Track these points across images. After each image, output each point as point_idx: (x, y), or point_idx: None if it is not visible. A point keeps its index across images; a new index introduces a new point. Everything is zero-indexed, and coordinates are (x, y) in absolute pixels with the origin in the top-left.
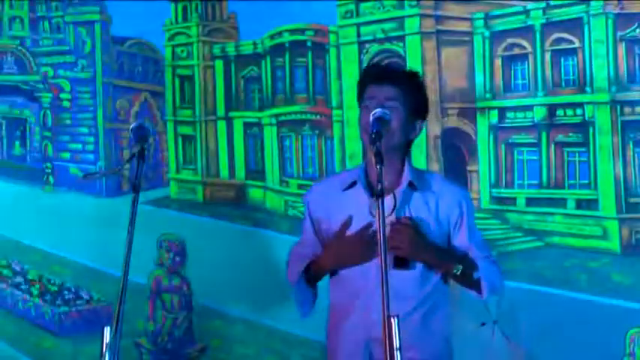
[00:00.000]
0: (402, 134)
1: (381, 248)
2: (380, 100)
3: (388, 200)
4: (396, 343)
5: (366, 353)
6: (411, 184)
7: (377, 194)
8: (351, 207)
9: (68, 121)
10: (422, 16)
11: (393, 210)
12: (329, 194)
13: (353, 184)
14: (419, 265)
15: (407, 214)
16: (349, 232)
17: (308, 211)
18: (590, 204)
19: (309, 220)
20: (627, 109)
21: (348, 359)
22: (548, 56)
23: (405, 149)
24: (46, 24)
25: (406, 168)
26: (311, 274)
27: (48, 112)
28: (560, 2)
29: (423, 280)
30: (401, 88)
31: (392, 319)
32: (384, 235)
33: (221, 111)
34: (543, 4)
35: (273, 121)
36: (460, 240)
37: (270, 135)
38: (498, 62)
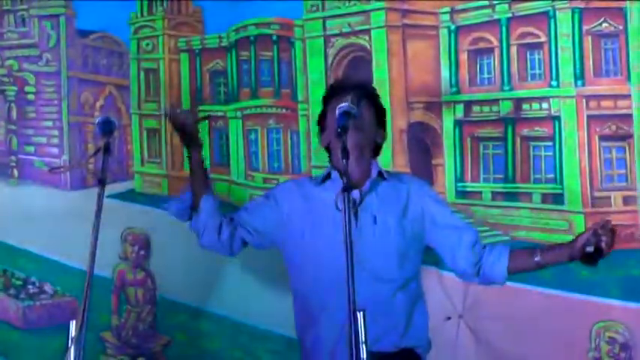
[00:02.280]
0: (373, 130)
1: (348, 243)
2: (351, 96)
3: (357, 193)
4: (362, 336)
5: (340, 343)
6: (380, 174)
7: (343, 188)
8: (324, 199)
9: (33, 115)
10: (388, 9)
11: (361, 201)
12: (304, 188)
13: (328, 177)
14: (397, 250)
15: (376, 203)
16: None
17: (276, 196)
18: (556, 198)
19: (273, 201)
20: (593, 104)
21: (321, 349)
22: (514, 50)
23: (373, 150)
24: (11, 17)
25: (375, 165)
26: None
27: (13, 105)
28: None
29: (402, 264)
30: (366, 95)
31: (358, 313)
32: (349, 229)
33: (186, 104)
34: None
35: (239, 114)
36: (451, 222)
37: (235, 128)
38: (464, 56)
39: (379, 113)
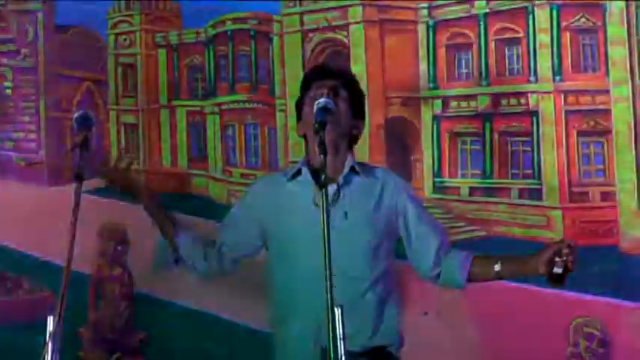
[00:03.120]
0: (349, 123)
1: (325, 238)
2: (328, 87)
3: (332, 188)
4: (339, 332)
5: (315, 340)
6: (352, 169)
7: (320, 184)
8: (296, 195)
9: (11, 110)
10: (365, 5)
11: (338, 196)
12: (275, 186)
13: (298, 173)
14: (368, 247)
15: (348, 198)
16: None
17: (248, 201)
18: (534, 193)
19: (247, 210)
20: (571, 99)
21: (295, 346)
22: (492, 46)
23: (349, 142)
24: None
25: (350, 158)
26: None
27: None
28: None
29: (372, 262)
30: (344, 83)
31: (336, 309)
32: (327, 225)
33: (164, 99)
34: None
35: (216, 109)
36: (419, 225)
37: (213, 124)
38: (442, 51)
39: (357, 102)
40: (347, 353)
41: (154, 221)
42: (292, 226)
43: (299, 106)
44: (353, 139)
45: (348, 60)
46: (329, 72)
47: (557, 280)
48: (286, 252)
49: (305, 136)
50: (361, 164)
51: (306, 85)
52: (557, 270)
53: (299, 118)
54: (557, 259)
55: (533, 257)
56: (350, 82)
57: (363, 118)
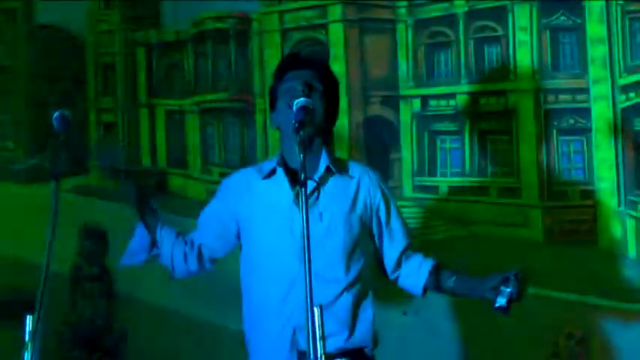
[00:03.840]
0: (325, 118)
1: (305, 237)
2: (303, 81)
3: (308, 189)
4: (319, 332)
5: (291, 341)
6: (328, 169)
7: (300, 183)
8: (271, 195)
9: None
10: (345, 3)
11: (312, 194)
12: (249, 183)
13: (273, 172)
14: (343, 249)
15: (323, 199)
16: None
17: (223, 197)
18: (513, 192)
19: (221, 203)
20: (551, 97)
21: (271, 348)
22: (471, 44)
23: (324, 136)
24: None
25: (325, 154)
26: None
27: None
28: None
29: (348, 263)
30: (319, 73)
31: (315, 309)
32: (306, 222)
33: (143, 98)
34: None
35: (195, 108)
36: (391, 223)
37: (192, 123)
38: (421, 50)
39: (332, 94)
40: (325, 354)
41: (138, 212)
42: (267, 225)
43: (273, 93)
44: (326, 131)
45: (327, 59)
46: (304, 61)
47: (500, 309)
48: (260, 252)
49: (279, 128)
50: (336, 161)
51: (280, 74)
52: (501, 300)
53: (272, 107)
54: (502, 288)
55: (484, 282)
56: (325, 73)
57: (337, 108)
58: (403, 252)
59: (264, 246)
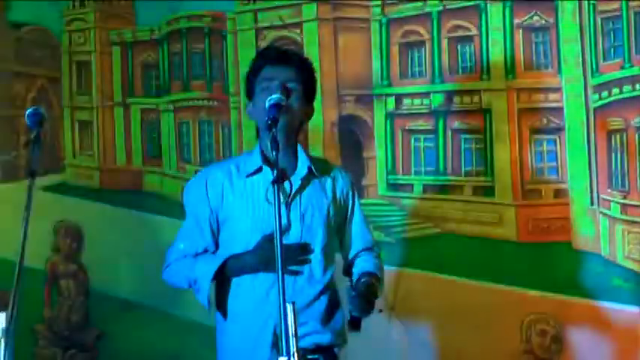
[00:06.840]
0: (300, 117)
1: (278, 234)
2: (281, 80)
3: (288, 187)
4: (291, 330)
5: (272, 339)
6: (309, 170)
7: (274, 181)
8: (260, 193)
9: None
10: (319, 2)
11: (290, 194)
12: (231, 180)
13: (258, 170)
14: (322, 250)
15: (304, 200)
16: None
17: (204, 199)
18: (487, 191)
19: (205, 205)
20: (524, 97)
21: (252, 344)
22: (445, 43)
23: (298, 132)
24: None
25: (302, 152)
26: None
27: None
28: None
29: (326, 264)
30: (297, 70)
31: (287, 306)
32: (279, 219)
33: (118, 97)
34: None
35: (171, 107)
36: (355, 223)
37: (167, 121)
38: (395, 49)
39: (309, 90)
40: (299, 350)
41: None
42: (254, 223)
43: (250, 82)
44: (299, 128)
45: None
46: (283, 57)
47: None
48: (236, 250)
49: (256, 122)
50: (314, 160)
51: (258, 65)
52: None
53: (249, 95)
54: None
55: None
56: (303, 69)
57: (313, 100)
58: (360, 252)
59: (248, 244)
